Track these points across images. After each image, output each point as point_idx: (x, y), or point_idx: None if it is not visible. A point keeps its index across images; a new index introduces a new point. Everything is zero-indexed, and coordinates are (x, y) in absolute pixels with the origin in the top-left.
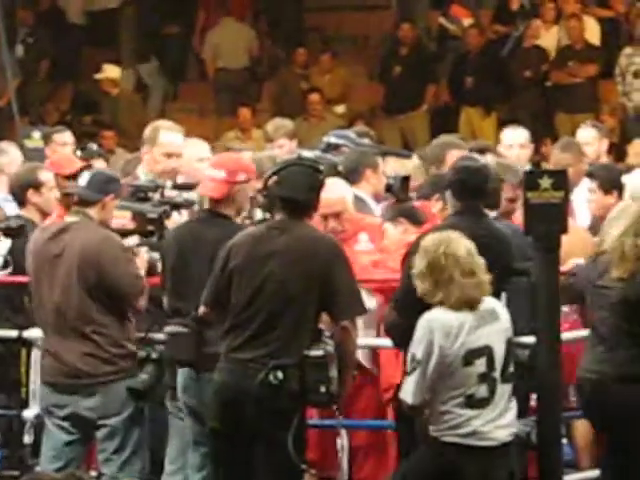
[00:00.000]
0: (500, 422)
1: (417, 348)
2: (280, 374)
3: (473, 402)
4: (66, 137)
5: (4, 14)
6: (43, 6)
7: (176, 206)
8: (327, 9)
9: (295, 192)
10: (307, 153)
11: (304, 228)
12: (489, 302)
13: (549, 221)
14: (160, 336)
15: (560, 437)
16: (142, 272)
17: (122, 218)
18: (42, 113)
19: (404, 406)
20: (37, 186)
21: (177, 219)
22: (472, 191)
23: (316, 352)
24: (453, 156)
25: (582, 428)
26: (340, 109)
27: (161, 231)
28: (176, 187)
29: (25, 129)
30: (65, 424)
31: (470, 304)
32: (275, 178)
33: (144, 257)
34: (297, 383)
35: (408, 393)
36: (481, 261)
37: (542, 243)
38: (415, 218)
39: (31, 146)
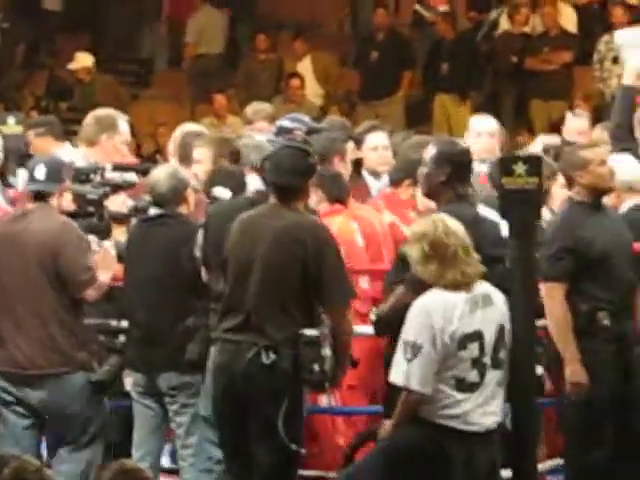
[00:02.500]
0: (487, 408)
1: (416, 334)
2: (272, 354)
3: (464, 386)
4: None
5: None
6: None
7: (116, 187)
8: None
9: (284, 177)
10: (259, 136)
11: (293, 213)
12: (483, 286)
13: (524, 207)
14: (124, 324)
15: (535, 423)
16: (108, 268)
17: (63, 200)
18: (17, 99)
19: (409, 395)
20: None
21: (117, 200)
22: (468, 176)
23: (310, 332)
24: None
25: None
26: (317, 95)
27: (100, 212)
28: (116, 168)
29: (0, 115)
30: (19, 409)
31: (471, 282)
32: (267, 163)
33: (111, 252)
34: (289, 363)
35: (415, 381)
36: (470, 242)
37: (517, 228)
38: None
39: (9, 132)
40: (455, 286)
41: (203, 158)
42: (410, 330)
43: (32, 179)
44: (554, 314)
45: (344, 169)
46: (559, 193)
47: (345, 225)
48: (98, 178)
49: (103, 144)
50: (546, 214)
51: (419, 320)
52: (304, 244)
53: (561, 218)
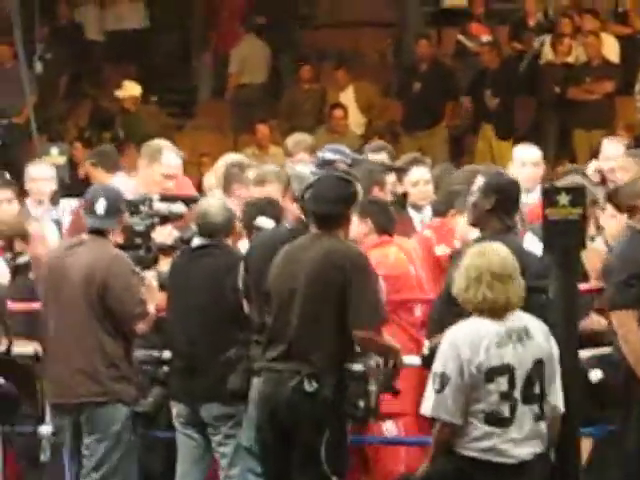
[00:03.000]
0: (522, 441)
1: (444, 365)
2: (315, 382)
3: (493, 419)
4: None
5: (22, 30)
6: (61, 22)
7: (163, 219)
8: (342, 25)
9: (323, 205)
10: (302, 168)
11: (332, 242)
12: (522, 319)
13: (567, 237)
14: (167, 355)
15: (579, 455)
16: (151, 299)
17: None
18: (61, 130)
19: (440, 427)
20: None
21: (164, 232)
22: (515, 207)
23: (356, 366)
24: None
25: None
26: (359, 125)
27: (147, 244)
28: (164, 199)
29: (43, 146)
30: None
31: (508, 308)
32: (307, 193)
33: (153, 285)
34: (331, 392)
35: (445, 412)
36: (516, 270)
37: (560, 259)
38: None
39: (52, 163)
40: (495, 312)
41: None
42: (439, 361)
43: (92, 212)
44: (630, 341)
45: (384, 198)
46: (610, 223)
47: (399, 255)
48: (146, 209)
49: (142, 173)
50: (599, 244)
51: (447, 351)
52: (342, 270)
53: (627, 246)
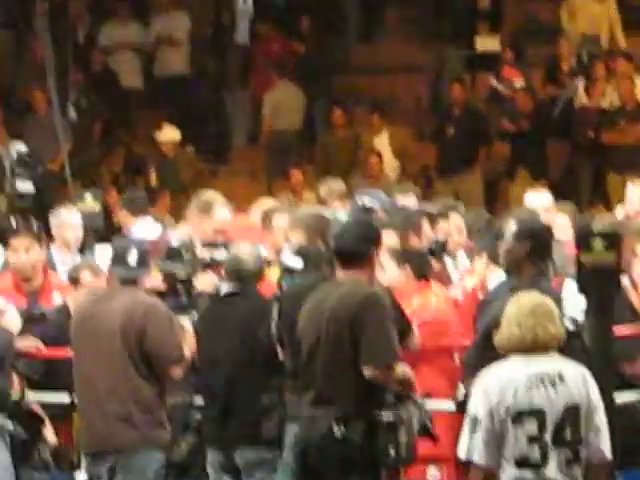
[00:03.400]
0: None
1: (476, 407)
2: (342, 427)
3: (524, 464)
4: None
5: (56, 76)
6: (95, 68)
7: (206, 265)
8: (377, 70)
9: (348, 243)
10: (343, 216)
11: (349, 286)
12: (557, 363)
13: (602, 282)
14: (199, 401)
15: None
16: (186, 344)
17: (154, 279)
18: (95, 176)
19: (474, 470)
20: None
21: (205, 279)
22: (549, 252)
23: (387, 415)
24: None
25: None
26: (393, 170)
27: (189, 290)
28: (206, 246)
29: (78, 192)
30: None
31: (535, 347)
32: (334, 236)
33: (190, 330)
34: (360, 436)
35: (477, 455)
36: (549, 310)
37: (595, 304)
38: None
39: (83, 209)
40: (521, 349)
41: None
42: (471, 404)
43: (123, 263)
44: None
45: (419, 244)
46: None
47: (440, 301)
48: (189, 256)
49: (196, 227)
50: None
51: (478, 395)
52: (352, 311)
53: None
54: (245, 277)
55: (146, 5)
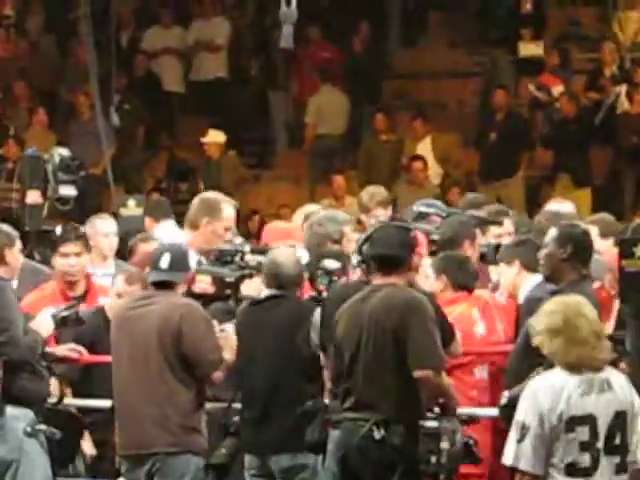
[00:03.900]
0: None
1: (525, 414)
2: (383, 430)
3: (574, 471)
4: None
5: (99, 81)
6: (138, 72)
7: (252, 271)
8: (421, 75)
9: (385, 248)
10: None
11: (389, 289)
12: (604, 370)
13: None
14: (237, 406)
15: None
16: (229, 349)
17: (203, 283)
18: (138, 181)
19: (520, 477)
20: None
21: (251, 284)
22: (590, 256)
23: (430, 423)
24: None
25: None
26: (436, 176)
27: (236, 295)
28: (254, 251)
29: (120, 197)
30: None
31: (596, 367)
32: (367, 242)
33: (232, 334)
34: (400, 440)
35: (525, 462)
36: (602, 328)
37: (637, 310)
38: (530, 260)
39: (126, 214)
40: (577, 368)
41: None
42: (520, 411)
43: (156, 267)
44: None
45: (474, 253)
46: None
47: (466, 312)
48: (238, 260)
49: (203, 228)
50: None
51: (528, 401)
52: (398, 314)
53: None
54: (283, 281)
55: (189, 10)
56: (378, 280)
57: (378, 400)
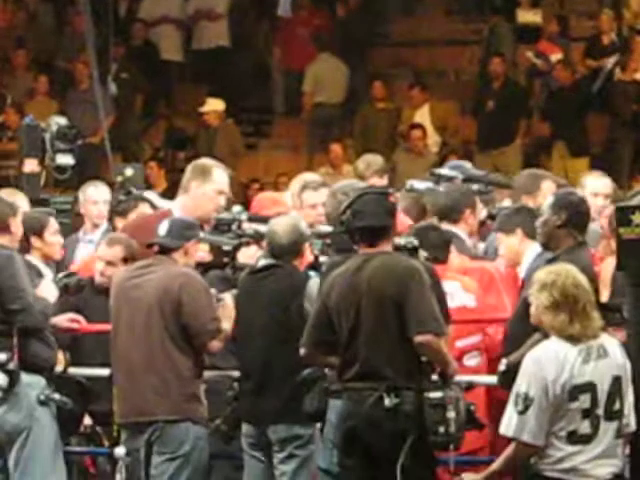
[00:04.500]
0: (603, 460)
1: (528, 385)
2: (395, 398)
3: (575, 438)
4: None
5: (97, 50)
6: (135, 41)
7: (249, 239)
8: (418, 43)
9: (372, 220)
10: (418, 184)
11: (385, 257)
12: (600, 337)
13: None
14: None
15: None
16: (228, 318)
17: (201, 251)
18: (136, 150)
19: (521, 448)
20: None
21: (248, 252)
22: (586, 223)
23: (435, 394)
24: (549, 187)
25: None
26: (434, 144)
27: (234, 263)
28: (251, 219)
29: (118, 166)
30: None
31: (593, 336)
32: (349, 211)
33: (230, 304)
34: (412, 405)
35: (527, 434)
36: (593, 297)
37: (635, 279)
38: (531, 227)
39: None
40: (578, 339)
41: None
42: (522, 382)
43: (156, 235)
44: None
45: (473, 223)
46: None
47: None
48: (235, 229)
49: (193, 191)
50: None
51: (532, 372)
52: (400, 281)
53: None
54: (276, 251)
55: None
56: (367, 249)
57: (383, 368)
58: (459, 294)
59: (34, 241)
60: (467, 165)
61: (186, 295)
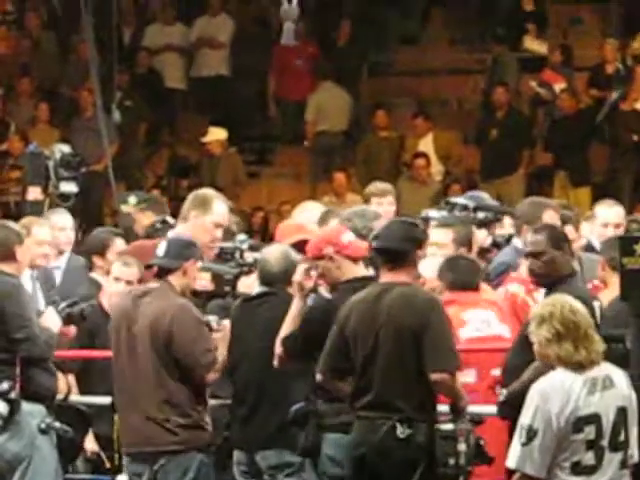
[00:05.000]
0: None
1: (532, 417)
2: (407, 428)
3: (579, 469)
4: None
5: (101, 78)
6: (139, 69)
7: (250, 267)
8: (421, 72)
9: (389, 242)
10: (434, 213)
11: (405, 287)
12: (605, 367)
13: None
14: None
15: None
16: (221, 346)
17: (203, 280)
18: (139, 177)
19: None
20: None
21: (247, 281)
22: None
23: (446, 426)
24: (550, 216)
25: None
26: (437, 173)
27: (234, 292)
28: (252, 248)
29: (121, 194)
30: None
31: (597, 362)
32: (377, 235)
33: (227, 330)
34: (424, 437)
35: (530, 466)
36: (592, 326)
37: (637, 308)
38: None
39: (126, 211)
40: (584, 366)
41: None
42: (527, 414)
43: (155, 256)
44: None
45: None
46: None
47: (453, 316)
48: (237, 258)
49: (192, 222)
50: None
51: (537, 404)
52: (419, 314)
53: None
54: (268, 278)
55: (191, 8)
56: (387, 277)
57: (397, 400)
58: (495, 323)
59: (96, 260)
60: (484, 195)
61: (177, 328)
